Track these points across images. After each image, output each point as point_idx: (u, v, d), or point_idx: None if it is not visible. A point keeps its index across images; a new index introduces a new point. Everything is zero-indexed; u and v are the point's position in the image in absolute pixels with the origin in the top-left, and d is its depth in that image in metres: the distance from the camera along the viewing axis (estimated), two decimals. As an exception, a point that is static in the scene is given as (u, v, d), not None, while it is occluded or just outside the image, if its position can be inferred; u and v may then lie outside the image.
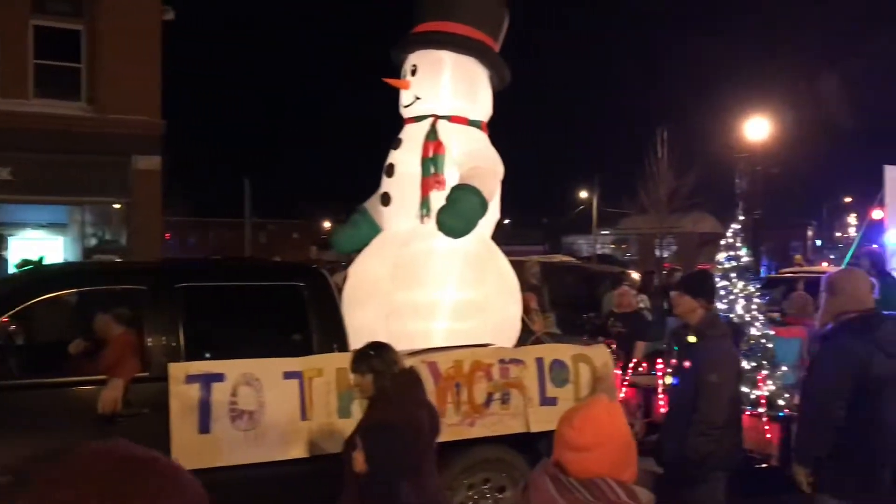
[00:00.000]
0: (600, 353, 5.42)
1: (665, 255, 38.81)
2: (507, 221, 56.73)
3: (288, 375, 4.63)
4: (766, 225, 31.73)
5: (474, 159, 5.56)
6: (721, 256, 6.94)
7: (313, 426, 4.63)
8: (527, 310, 9.79)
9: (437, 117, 5.67)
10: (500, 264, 5.80)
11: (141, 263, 7.64)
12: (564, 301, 12.96)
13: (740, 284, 6.75)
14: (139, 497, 0.94)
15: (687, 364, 4.75)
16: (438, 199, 5.37)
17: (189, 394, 4.38)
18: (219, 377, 4.49)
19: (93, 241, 15.56)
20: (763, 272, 27.50)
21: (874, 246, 8.07)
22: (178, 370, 4.40)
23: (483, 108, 5.90)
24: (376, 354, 3.90)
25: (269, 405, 4.54)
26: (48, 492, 0.93)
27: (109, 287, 4.96)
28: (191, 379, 4.40)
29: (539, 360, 5.18)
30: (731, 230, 7.01)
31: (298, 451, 4.58)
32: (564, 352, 5.32)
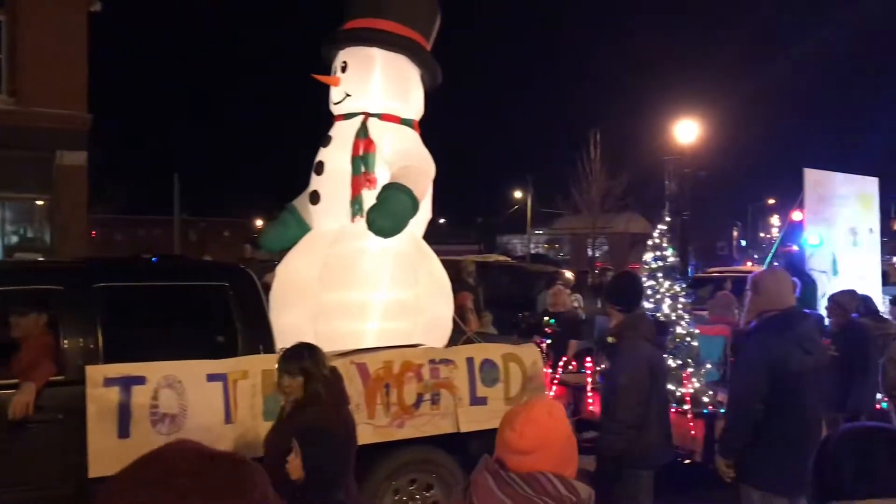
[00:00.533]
0: (530, 353, 5.44)
1: (597, 254, 39.53)
2: (442, 221, 56.89)
3: (212, 378, 4.51)
4: (694, 225, 32.54)
5: (406, 158, 5.52)
6: (648, 256, 7.08)
7: (238, 429, 4.52)
8: (463, 309, 9.86)
9: (368, 115, 5.61)
10: (432, 264, 5.77)
11: (57, 262, 7.36)
12: (499, 300, 13.05)
13: (666, 284, 6.89)
14: (230, 490, 0.99)
15: (608, 364, 4.94)
16: (369, 198, 5.31)
17: (107, 397, 4.23)
18: (139, 380, 4.34)
19: (14, 239, 14.96)
20: (690, 272, 28.22)
21: (793, 247, 8.35)
22: (95, 373, 4.25)
23: (415, 106, 5.87)
24: (308, 356, 3.83)
25: (192, 408, 4.42)
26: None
27: (23, 287, 4.74)
28: (109, 382, 4.25)
29: (469, 360, 5.18)
30: (657, 230, 7.15)
31: (223, 456, 4.45)
32: (495, 351, 5.32)
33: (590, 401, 6.78)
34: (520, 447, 1.94)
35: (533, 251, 43.98)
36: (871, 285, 8.07)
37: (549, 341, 8.76)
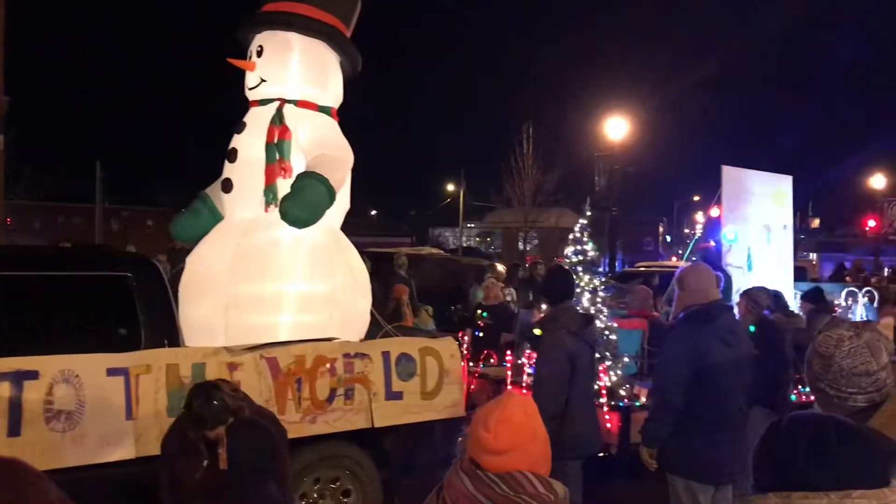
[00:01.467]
0: (448, 346, 5.38)
1: (528, 248, 39.89)
2: (374, 213, 56.69)
3: (112, 372, 4.30)
4: (622, 221, 33.18)
5: (323, 147, 5.37)
6: (568, 250, 7.11)
7: (140, 426, 4.32)
8: (399, 302, 9.77)
9: (284, 101, 5.44)
10: (350, 256, 5.65)
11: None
12: (432, 293, 12.99)
13: (586, 278, 6.93)
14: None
15: (534, 356, 5.02)
16: (283, 186, 5.15)
17: (-5, 394, 3.98)
18: (32, 374, 4.10)
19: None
20: (618, 266, 28.77)
21: (710, 243, 8.52)
22: (-19, 368, 3.99)
23: (333, 93, 5.73)
24: (224, 392, 3.62)
25: (90, 404, 4.20)
26: None
27: None
28: (-3, 377, 4.00)
29: (385, 354, 5.09)
30: (578, 225, 7.19)
31: (123, 453, 4.27)
32: (412, 345, 5.24)
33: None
34: (495, 447, 1.88)
35: (465, 244, 44.12)
36: (783, 281, 8.31)
37: (480, 334, 8.78)
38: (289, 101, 5.46)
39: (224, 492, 3.31)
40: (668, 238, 49.17)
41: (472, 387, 7.13)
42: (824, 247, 34.60)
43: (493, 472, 1.86)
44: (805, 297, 7.57)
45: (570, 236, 7.24)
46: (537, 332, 5.04)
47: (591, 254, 7.00)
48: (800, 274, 21.87)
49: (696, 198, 47.13)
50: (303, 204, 4.91)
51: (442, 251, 25.80)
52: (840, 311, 8.31)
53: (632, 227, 40.85)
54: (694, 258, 8.92)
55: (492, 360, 7.49)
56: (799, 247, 37.11)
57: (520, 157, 34.66)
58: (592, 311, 6.77)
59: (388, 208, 55.64)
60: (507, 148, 34.92)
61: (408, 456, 5.33)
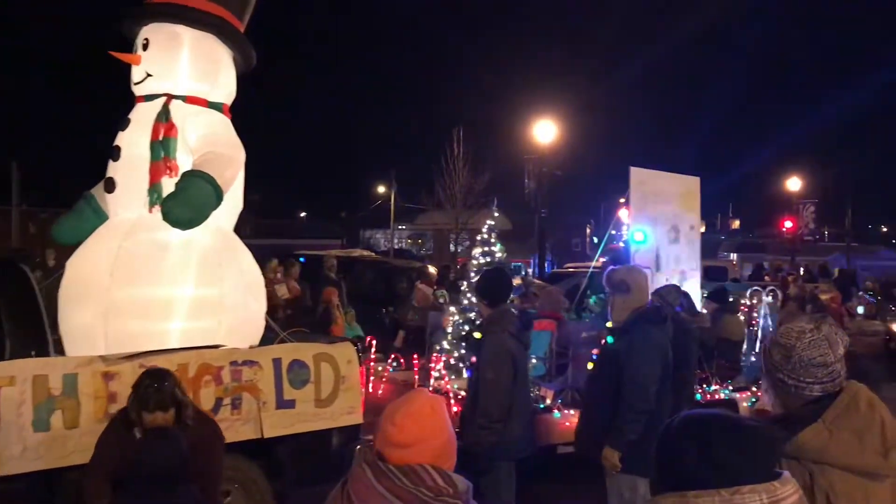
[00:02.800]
0: (345, 351, 5.20)
1: (460, 250, 39.92)
2: (303, 215, 55.83)
3: (-31, 385, 3.99)
4: (551, 223, 33.49)
5: (211, 144, 5.13)
6: (476, 252, 7.02)
7: (1, 442, 4.02)
8: (329, 305, 9.56)
9: (171, 97, 5.19)
10: (242, 259, 5.42)
11: None
12: (363, 295, 12.82)
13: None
14: None
15: (473, 359, 4.97)
16: (169, 186, 4.90)
17: None
18: None
19: None
20: (548, 268, 29.02)
21: (620, 244, 8.56)
22: None
23: (224, 89, 5.49)
24: (173, 382, 3.74)
25: (-56, 420, 3.89)
26: None
27: None
28: None
29: (276, 361, 4.88)
30: (486, 226, 7.11)
31: (-19, 473, 3.96)
32: (305, 351, 5.05)
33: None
34: (399, 441, 1.91)
35: (396, 246, 43.91)
36: (691, 280, 8.41)
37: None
38: (176, 97, 5.21)
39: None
40: (595, 239, 49.92)
41: (381, 391, 6.97)
42: (744, 247, 35.65)
43: (394, 465, 1.89)
44: (710, 296, 7.67)
45: (478, 237, 7.16)
46: (477, 335, 4.96)
47: (498, 255, 6.92)
48: (721, 274, 22.44)
49: (623, 199, 47.85)
50: (186, 204, 4.67)
51: (373, 253, 25.62)
52: (746, 310, 8.46)
53: (561, 229, 41.27)
54: (604, 259, 8.96)
55: (400, 363, 7.33)
56: (720, 247, 38.20)
57: (450, 160, 34.65)
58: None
59: (318, 210, 54.94)
60: (438, 150, 34.88)
61: (303, 466, 5.13)
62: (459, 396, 6.27)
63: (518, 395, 4.70)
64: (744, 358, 8.18)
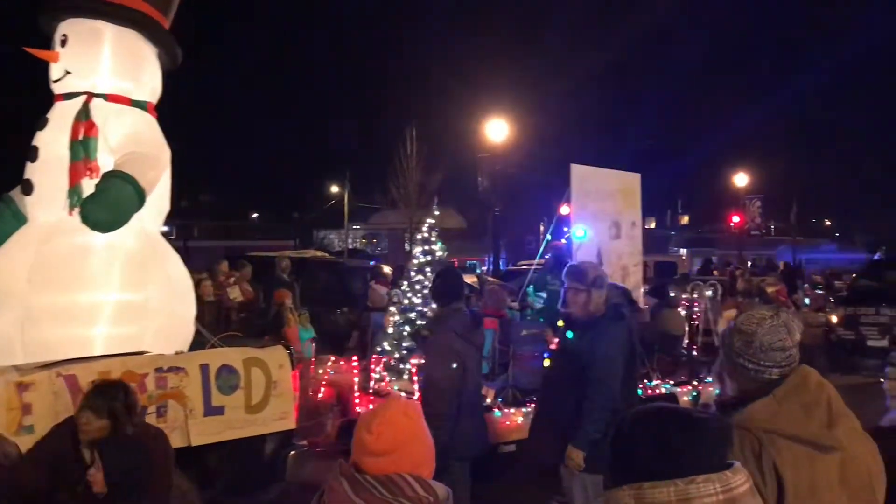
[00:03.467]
0: (276, 356, 5.08)
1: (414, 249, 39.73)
2: (255, 215, 55.08)
3: None
4: (505, 221, 33.57)
5: (134, 144, 4.96)
6: (417, 250, 6.95)
7: None
8: (282, 307, 9.37)
9: (92, 95, 5.01)
10: (168, 263, 5.26)
11: None
12: (317, 297, 12.64)
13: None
14: None
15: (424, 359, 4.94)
16: (89, 187, 4.73)
17: None
18: None
19: None
20: (502, 265, 29.10)
21: (561, 241, 8.56)
22: None
23: (148, 87, 5.32)
24: (123, 398, 3.60)
25: None
26: None
27: None
28: None
29: (204, 367, 4.73)
30: (426, 225, 7.04)
31: None
32: (234, 356, 4.91)
33: (357, 401, 6.52)
34: (376, 449, 1.88)
35: (350, 246, 43.63)
36: (632, 277, 8.45)
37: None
38: (97, 95, 5.03)
39: None
40: (549, 237, 50.17)
41: (321, 394, 6.86)
42: (693, 242, 36.20)
43: (371, 476, 1.86)
44: (650, 292, 7.71)
45: (418, 236, 7.09)
46: (426, 333, 4.91)
47: (438, 253, 6.85)
48: (670, 269, 22.76)
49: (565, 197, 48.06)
50: (106, 205, 4.51)
51: (327, 254, 25.42)
52: (687, 304, 8.53)
53: (514, 227, 41.46)
54: (546, 256, 8.96)
55: (341, 366, 7.21)
56: (669, 243, 38.73)
57: (404, 159, 34.50)
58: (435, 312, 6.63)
59: (270, 211, 54.23)
60: (391, 149, 34.66)
61: (236, 473, 5.00)
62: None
63: (467, 394, 4.64)
64: (685, 352, 8.25)
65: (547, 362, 5.05)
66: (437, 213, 7.35)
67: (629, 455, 1.65)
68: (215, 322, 9.04)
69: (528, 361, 6.47)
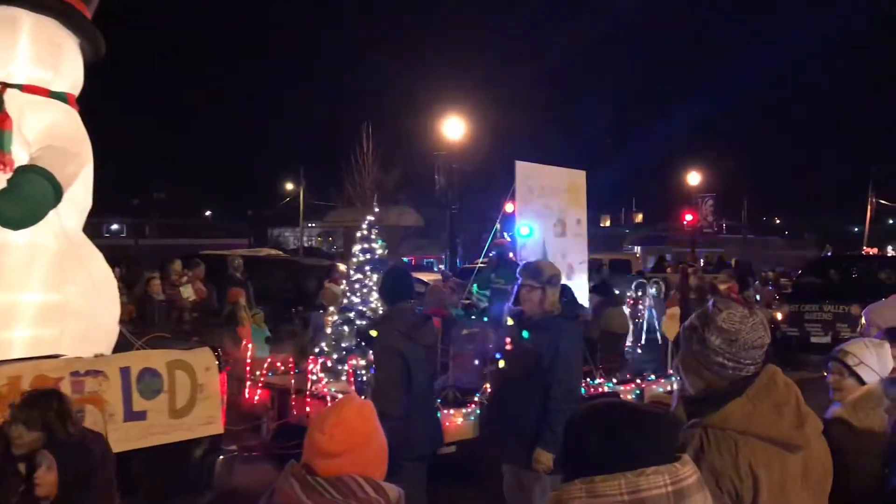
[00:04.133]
0: (203, 358, 4.91)
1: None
2: (208, 213, 54.27)
3: None
4: (462, 219, 33.53)
5: (51, 137, 4.74)
6: (356, 248, 6.81)
7: None
8: (235, 306, 9.13)
9: (7, 85, 4.76)
10: (90, 262, 5.04)
11: None
12: (272, 295, 12.42)
13: (375, 277, 6.64)
14: None
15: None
16: (2, 182, 4.49)
17: None
18: None
19: None
20: (459, 262, 29.06)
21: (507, 238, 8.49)
22: None
23: (69, 78, 5.09)
24: (56, 407, 3.42)
25: None
26: None
27: None
28: None
29: (125, 371, 4.54)
30: (366, 222, 6.90)
31: None
32: (157, 359, 4.73)
33: (293, 404, 6.35)
34: (329, 450, 1.85)
35: (306, 244, 43.23)
36: (578, 274, 8.41)
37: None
38: (12, 86, 4.79)
39: None
40: (506, 234, 50.36)
41: (257, 398, 6.67)
42: (647, 240, 36.58)
43: (323, 478, 1.83)
44: (593, 290, 7.68)
45: (358, 234, 6.94)
46: (373, 333, 4.83)
47: (378, 252, 6.72)
48: (625, 266, 22.93)
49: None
50: (18, 201, 4.29)
51: (281, 252, 25.13)
52: (632, 302, 8.53)
53: (472, 224, 41.52)
54: (491, 254, 8.88)
55: (278, 368, 7.02)
56: (624, 241, 39.12)
57: (360, 156, 34.28)
58: (381, 311, 6.49)
59: (223, 208, 53.46)
60: (347, 146, 34.45)
61: (160, 481, 4.81)
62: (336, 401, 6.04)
63: (417, 394, 4.54)
64: (629, 350, 8.25)
65: (501, 363, 4.85)
66: (376, 209, 7.21)
67: (580, 449, 1.66)
68: (167, 321, 8.92)
69: (468, 361, 6.38)
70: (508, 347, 4.63)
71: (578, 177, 8.70)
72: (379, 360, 4.61)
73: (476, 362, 6.36)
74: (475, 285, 8.51)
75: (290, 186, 45.37)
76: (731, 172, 38.57)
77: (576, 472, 1.63)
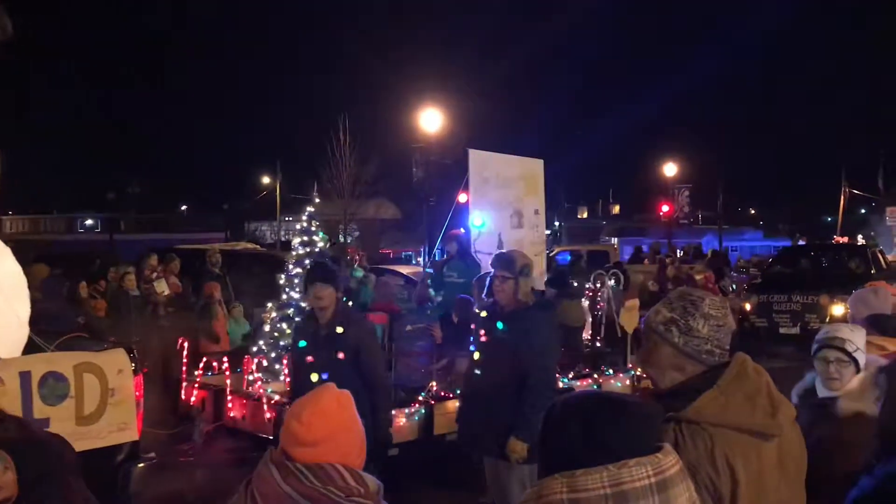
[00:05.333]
0: (115, 360, 4.58)
1: (349, 240, 39.34)
2: (184, 207, 53.70)
3: None
4: (440, 211, 33.22)
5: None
6: (295, 242, 6.51)
7: None
8: (211, 300, 8.85)
9: None
10: (-6, 257, 4.69)
11: None
12: (249, 290, 12.17)
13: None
14: None
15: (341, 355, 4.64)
16: None
17: None
18: None
19: None
20: (438, 255, 28.73)
21: (461, 230, 8.21)
22: None
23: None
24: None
25: None
26: None
27: None
28: None
29: (24, 375, 4.21)
30: (305, 214, 6.59)
31: None
32: (63, 362, 4.40)
33: (229, 405, 6.05)
34: (307, 439, 1.85)
35: (283, 238, 42.94)
36: (535, 266, 8.11)
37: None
38: None
39: None
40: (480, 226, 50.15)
41: (193, 399, 6.36)
42: (624, 231, 36.49)
43: (302, 464, 1.83)
44: (549, 282, 7.41)
45: (298, 227, 6.64)
46: (339, 329, 4.65)
47: (319, 245, 6.42)
48: (603, 258, 22.77)
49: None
50: None
51: (258, 246, 24.92)
52: (590, 293, 8.25)
53: (449, 217, 41.39)
54: (442, 246, 8.58)
55: (214, 367, 6.70)
56: (601, 232, 39.01)
57: (337, 149, 33.95)
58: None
59: (199, 202, 52.95)
60: (324, 139, 34.13)
61: (70, 492, 4.48)
62: (273, 402, 5.74)
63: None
64: (588, 344, 8.00)
65: (477, 355, 4.68)
66: (317, 200, 6.90)
67: (559, 442, 1.63)
68: (141, 317, 8.93)
69: (413, 359, 6.10)
70: (483, 339, 4.54)
71: (536, 165, 8.43)
72: None
73: (420, 360, 6.09)
74: (430, 279, 8.23)
75: (266, 180, 44.99)
76: (706, 163, 38.60)
77: (556, 465, 1.59)
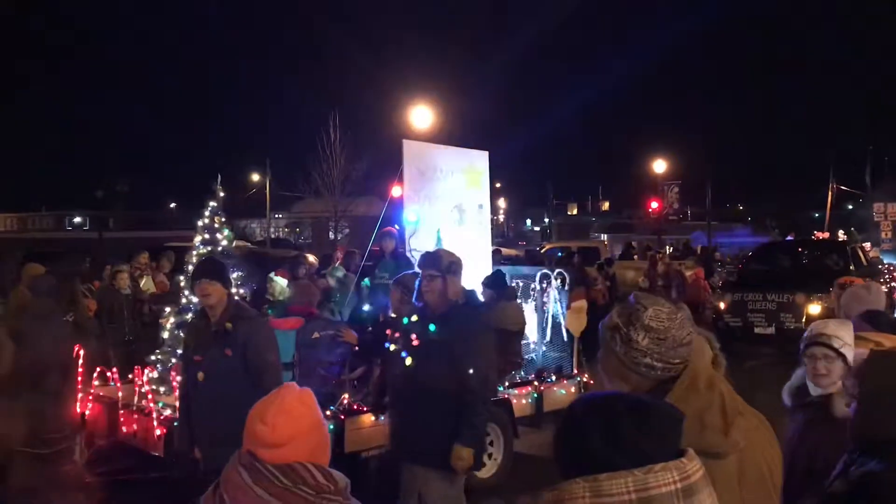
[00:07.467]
0: None
1: (339, 238, 39.09)
2: (172, 205, 53.27)
3: None
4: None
5: None
6: (197, 240, 5.99)
7: None
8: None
9: None
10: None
11: None
12: (238, 287, 11.82)
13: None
14: None
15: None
16: None
17: None
18: None
19: None
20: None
21: (394, 226, 7.71)
22: None
23: None
24: None
25: None
26: None
27: None
28: None
29: None
30: (208, 209, 6.07)
31: None
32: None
33: (122, 420, 5.54)
34: (272, 440, 1.81)
35: (273, 235, 42.75)
36: (479, 264, 7.63)
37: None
38: None
39: None
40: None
41: (88, 412, 5.86)
42: (613, 228, 36.06)
43: (271, 465, 1.80)
44: (485, 283, 6.92)
45: (199, 223, 6.12)
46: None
47: (223, 243, 5.90)
48: (593, 254, 22.33)
49: (498, 184, 47.90)
50: None
51: (248, 243, 24.84)
52: (535, 293, 7.76)
53: (382, 214, 41.29)
54: (378, 241, 8.06)
55: (109, 376, 6.17)
56: (591, 229, 38.56)
57: (327, 146, 33.78)
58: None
59: (188, 200, 52.68)
60: (314, 136, 33.96)
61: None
62: (162, 417, 5.25)
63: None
64: (534, 348, 7.50)
65: (409, 360, 4.37)
66: (221, 194, 6.37)
67: (581, 446, 1.53)
68: (130, 314, 8.89)
69: (319, 369, 5.58)
70: (416, 344, 4.29)
71: (479, 158, 7.93)
72: None
73: (322, 372, 5.58)
74: (366, 280, 7.74)
75: (256, 177, 44.71)
76: (696, 160, 38.26)
77: (577, 470, 1.50)
